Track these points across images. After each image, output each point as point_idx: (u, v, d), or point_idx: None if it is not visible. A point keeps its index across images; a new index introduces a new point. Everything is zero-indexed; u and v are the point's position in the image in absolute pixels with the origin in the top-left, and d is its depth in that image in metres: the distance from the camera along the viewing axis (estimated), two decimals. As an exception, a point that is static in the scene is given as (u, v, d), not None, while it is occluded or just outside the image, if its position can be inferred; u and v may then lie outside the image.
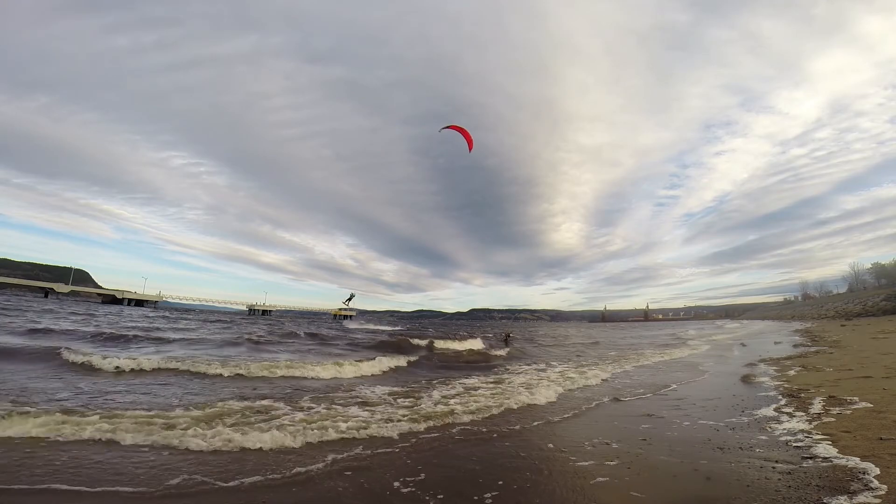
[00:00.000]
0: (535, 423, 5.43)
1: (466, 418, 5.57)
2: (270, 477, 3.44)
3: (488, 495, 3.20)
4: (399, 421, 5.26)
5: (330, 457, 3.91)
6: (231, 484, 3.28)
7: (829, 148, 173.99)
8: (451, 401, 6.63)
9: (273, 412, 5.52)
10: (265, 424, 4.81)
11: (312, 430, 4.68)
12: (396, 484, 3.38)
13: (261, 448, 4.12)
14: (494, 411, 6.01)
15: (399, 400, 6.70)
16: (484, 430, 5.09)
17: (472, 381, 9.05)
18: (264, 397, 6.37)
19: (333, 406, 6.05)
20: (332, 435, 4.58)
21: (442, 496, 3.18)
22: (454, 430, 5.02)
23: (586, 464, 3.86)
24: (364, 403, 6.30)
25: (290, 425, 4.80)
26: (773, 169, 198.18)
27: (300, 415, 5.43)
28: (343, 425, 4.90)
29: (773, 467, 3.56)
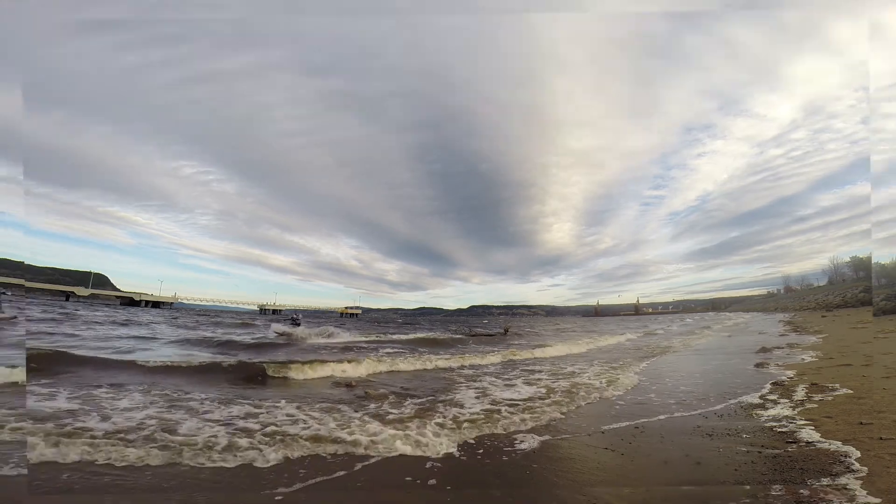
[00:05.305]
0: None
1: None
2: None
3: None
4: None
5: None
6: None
7: (805, 148, 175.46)
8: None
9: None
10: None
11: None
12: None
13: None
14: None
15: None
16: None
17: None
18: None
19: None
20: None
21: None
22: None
23: (581, 451, 3.94)
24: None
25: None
26: (752, 169, 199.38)
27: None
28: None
29: (760, 452, 3.69)
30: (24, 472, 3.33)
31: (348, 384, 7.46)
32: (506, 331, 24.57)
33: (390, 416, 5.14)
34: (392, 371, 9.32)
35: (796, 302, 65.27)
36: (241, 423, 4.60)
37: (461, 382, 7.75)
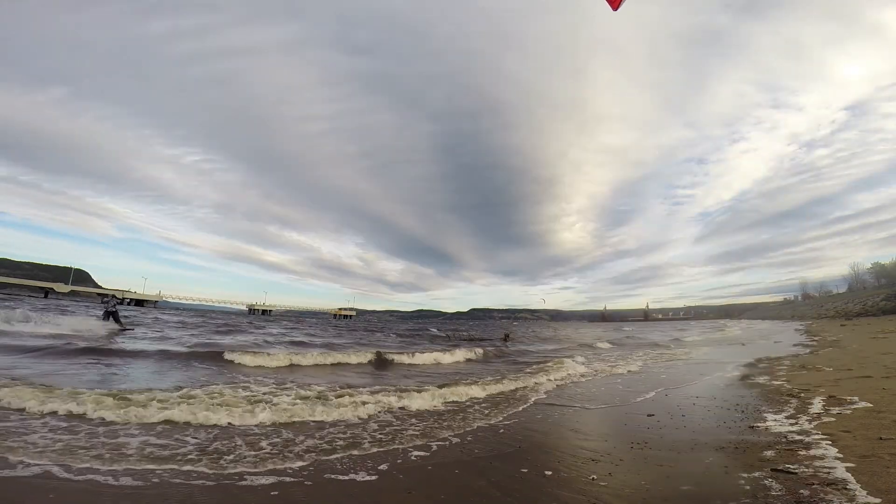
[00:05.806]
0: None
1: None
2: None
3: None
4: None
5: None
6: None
7: (854, 149, 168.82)
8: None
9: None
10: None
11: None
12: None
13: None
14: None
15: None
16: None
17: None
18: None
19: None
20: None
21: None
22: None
23: (581, 461, 3.78)
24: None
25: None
26: (796, 168, 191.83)
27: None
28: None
29: (770, 469, 3.48)
30: (25, 472, 3.31)
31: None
32: (506, 338, 22.41)
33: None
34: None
35: (814, 309, 63.40)
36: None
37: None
